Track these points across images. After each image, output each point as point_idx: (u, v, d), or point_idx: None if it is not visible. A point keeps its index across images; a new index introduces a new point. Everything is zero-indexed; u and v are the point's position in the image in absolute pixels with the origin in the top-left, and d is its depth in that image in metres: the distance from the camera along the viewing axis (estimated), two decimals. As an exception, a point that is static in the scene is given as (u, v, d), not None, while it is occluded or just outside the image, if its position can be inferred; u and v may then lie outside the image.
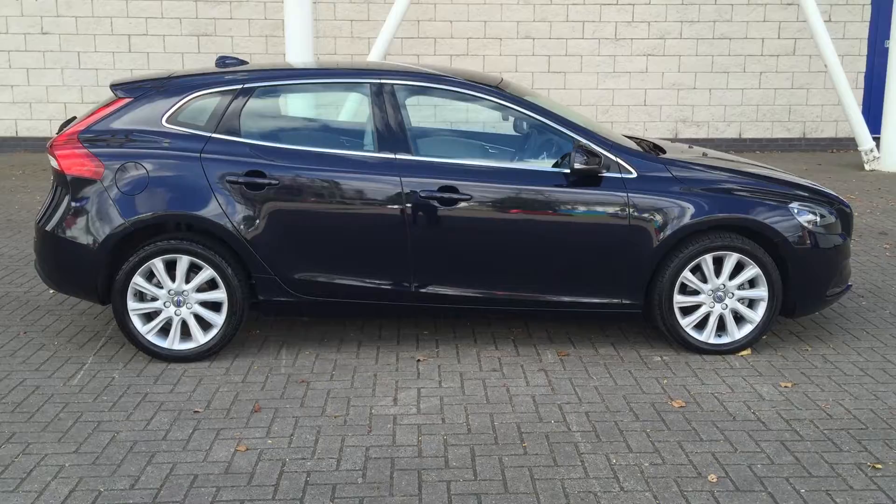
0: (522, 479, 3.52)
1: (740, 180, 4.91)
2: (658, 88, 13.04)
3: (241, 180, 4.61)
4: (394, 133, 4.71)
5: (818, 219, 4.85)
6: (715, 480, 3.50)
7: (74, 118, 5.33)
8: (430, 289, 4.74)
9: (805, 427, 3.98)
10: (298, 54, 10.45)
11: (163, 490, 3.44)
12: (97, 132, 4.72)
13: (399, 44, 12.81)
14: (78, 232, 4.65)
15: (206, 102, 4.76)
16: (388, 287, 4.73)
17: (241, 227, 4.61)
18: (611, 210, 4.69)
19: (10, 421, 4.05)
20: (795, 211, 4.80)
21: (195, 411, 4.17)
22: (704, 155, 5.34)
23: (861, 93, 13.13)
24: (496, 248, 4.73)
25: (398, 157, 4.68)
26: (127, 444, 3.84)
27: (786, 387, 4.44)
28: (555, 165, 4.81)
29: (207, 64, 12.78)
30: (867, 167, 11.44)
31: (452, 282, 4.75)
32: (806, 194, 4.96)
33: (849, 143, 13.07)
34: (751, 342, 4.87)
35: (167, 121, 4.72)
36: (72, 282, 4.81)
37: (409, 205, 4.63)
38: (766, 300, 4.80)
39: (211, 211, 4.60)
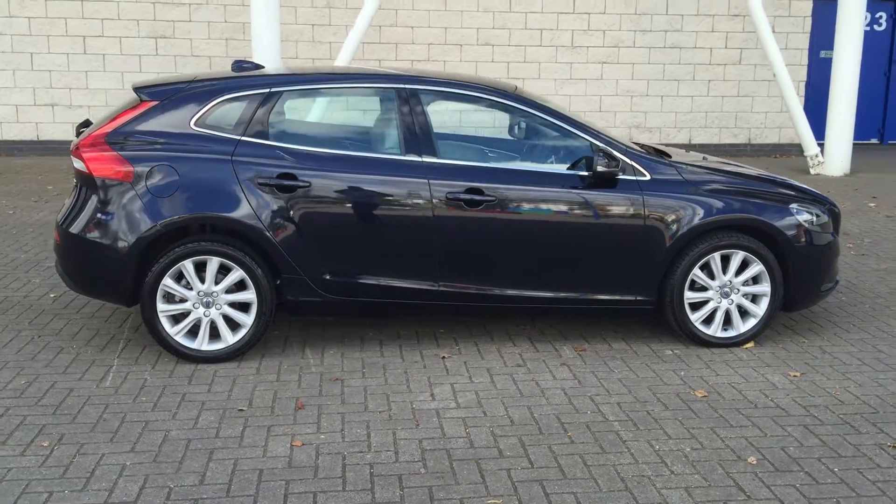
0: (576, 465, 3.71)
1: (743, 182, 5.20)
2: (613, 95, 13.43)
3: (272, 182, 4.69)
4: (420, 136, 4.85)
5: (814, 218, 5.17)
6: (755, 462, 3.74)
7: (89, 121, 5.33)
8: (454, 287, 4.90)
9: (822, 412, 4.27)
10: (265, 58, 10.46)
11: (233, 485, 3.52)
12: (124, 135, 4.74)
13: (361, 49, 12.88)
14: (107, 234, 4.66)
15: (233, 106, 4.83)
16: (415, 286, 4.87)
17: (272, 228, 4.69)
18: (627, 211, 4.91)
19: (55, 423, 4.05)
20: (795, 211, 5.11)
21: (240, 409, 4.24)
22: (704, 158, 5.62)
23: (803, 101, 13.74)
24: (517, 247, 4.91)
25: (424, 159, 4.82)
26: (181, 442, 3.89)
27: (794, 376, 4.73)
28: (570, 168, 5.01)
29: (166, 66, 12.69)
30: (812, 171, 12.01)
31: (474, 280, 4.91)
32: (802, 195, 5.28)
33: (791, 149, 13.70)
34: (754, 335, 5.16)
35: (195, 124, 4.77)
36: (99, 284, 4.81)
37: (436, 206, 4.77)
38: (769, 295, 5.09)
39: (243, 213, 4.67)
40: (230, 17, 12.80)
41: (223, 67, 12.85)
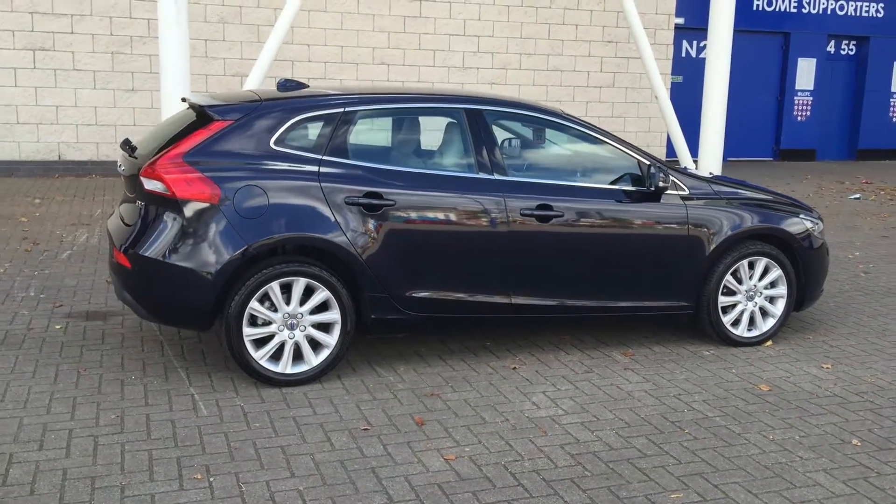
0: (717, 459, 4.02)
1: (762, 196, 5.75)
2: (502, 114, 13.96)
3: (360, 202, 4.70)
4: (490, 154, 5.02)
5: (816, 226, 5.80)
6: (859, 444, 4.22)
7: (128, 139, 5.09)
8: (524, 300, 5.09)
9: (874, 397, 4.84)
10: (175, 75, 10.18)
11: (424, 499, 3.55)
12: (202, 155, 4.58)
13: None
14: (193, 258, 4.49)
15: (311, 126, 4.79)
16: (490, 300, 5.02)
17: (360, 247, 4.69)
18: (674, 223, 5.31)
19: (188, 455, 3.88)
20: (802, 220, 5.72)
21: (364, 429, 4.23)
22: (711, 174, 6.14)
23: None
24: (581, 260, 5.18)
25: (496, 177, 5.00)
26: (334, 464, 3.85)
27: (827, 368, 5.30)
28: (612, 183, 5.32)
29: (45, 80, 11.89)
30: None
31: (543, 293, 5.13)
32: (800, 206, 5.90)
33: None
34: (773, 334, 5.71)
35: (275, 143, 4.69)
36: (179, 310, 4.61)
37: (511, 222, 4.96)
38: (786, 297, 5.66)
39: (332, 232, 4.64)
40: (116, 30, 12.21)
41: (109, 83, 12.23)
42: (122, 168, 5.02)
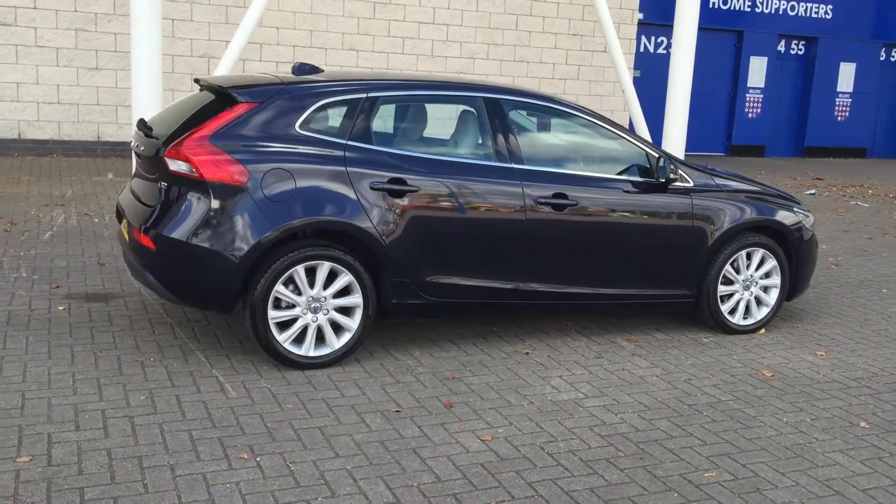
0: (740, 440, 4.18)
1: (757, 188, 5.95)
2: (469, 104, 14.05)
3: (384, 187, 4.74)
4: (507, 143, 5.11)
5: (807, 218, 6.04)
6: (867, 426, 4.44)
7: (143, 120, 5.04)
8: (537, 286, 5.20)
9: (870, 382, 5.07)
10: (146, 54, 10.08)
11: (472, 479, 3.63)
12: (228, 137, 4.57)
13: (224, 47, 12.54)
14: (219, 240, 4.48)
15: (335, 110, 4.81)
16: (505, 286, 5.11)
17: (384, 232, 4.74)
18: (680, 214, 5.48)
19: (228, 435, 3.89)
20: (796, 212, 5.95)
21: (396, 410, 4.29)
22: (706, 166, 6.32)
23: (627, 115, 15.18)
24: (592, 248, 5.30)
25: (514, 165, 5.09)
26: (375, 444, 3.90)
27: (821, 355, 5.54)
28: (620, 173, 5.45)
29: (6, 57, 11.55)
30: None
31: (554, 280, 5.24)
32: (790, 199, 6.13)
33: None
34: (766, 323, 5.93)
35: (300, 127, 4.70)
36: (204, 292, 4.60)
37: (528, 209, 5.06)
38: (779, 287, 5.89)
39: (357, 217, 4.68)
40: (81, 7, 11.95)
41: (72, 60, 11.96)
42: (141, 148, 4.97)
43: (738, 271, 5.77)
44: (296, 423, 4.07)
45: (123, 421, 3.98)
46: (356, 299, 4.76)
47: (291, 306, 4.65)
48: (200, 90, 5.36)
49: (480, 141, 5.15)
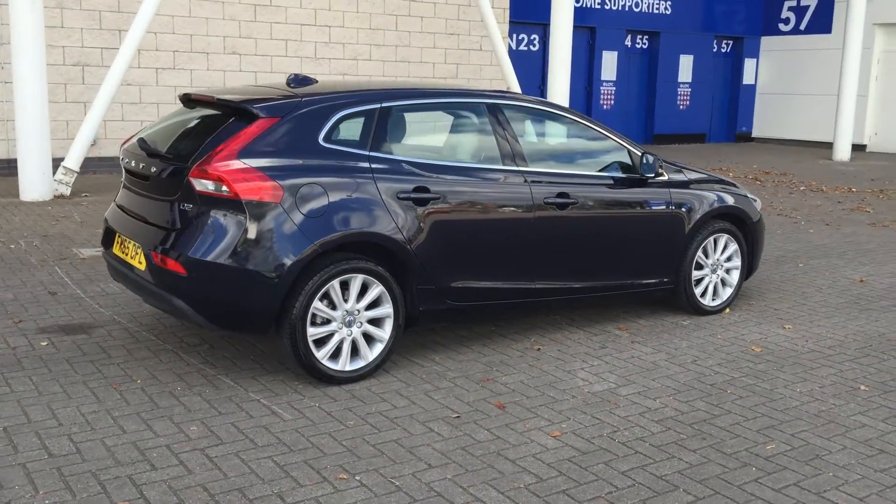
0: (775, 412, 4.51)
1: (715, 179, 6.37)
2: (355, 105, 14.00)
3: (410, 196, 4.76)
4: (512, 146, 5.24)
5: (756, 203, 6.53)
6: (867, 389, 4.90)
7: (144, 138, 4.82)
8: (544, 284, 5.37)
9: (844, 350, 5.57)
10: (30, 62, 9.59)
11: (569, 474, 3.75)
12: (254, 154, 4.44)
13: (99, 54, 11.93)
14: (258, 259, 4.35)
15: (354, 121, 4.78)
16: (519, 286, 5.25)
17: (411, 241, 4.76)
18: (662, 205, 5.80)
19: (311, 458, 3.82)
20: (750, 199, 6.43)
21: (455, 416, 4.34)
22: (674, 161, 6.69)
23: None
24: (591, 243, 5.53)
25: (522, 168, 5.23)
26: (458, 451, 3.94)
27: (789, 328, 6.02)
28: (601, 170, 5.71)
29: None
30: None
31: (559, 276, 5.43)
32: (735, 185, 6.61)
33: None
34: (731, 302, 6.38)
35: (324, 140, 4.64)
36: (243, 314, 4.45)
37: (537, 210, 5.21)
38: (740, 268, 6.35)
39: (388, 228, 4.67)
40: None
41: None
42: (142, 166, 4.73)
43: (707, 256, 6.16)
44: (369, 439, 4.04)
45: (196, 454, 3.82)
46: (387, 309, 4.75)
47: (327, 322, 4.59)
48: (188, 106, 5.15)
49: (491, 146, 5.24)
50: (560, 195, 5.32)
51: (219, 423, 4.16)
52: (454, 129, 5.43)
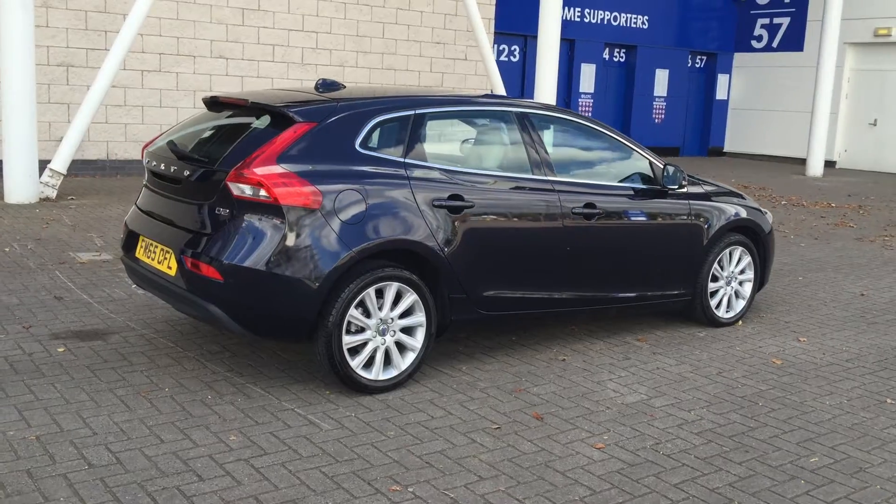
0: (809, 424, 4.53)
1: (729, 191, 6.41)
2: (341, 112, 13.91)
3: (445, 204, 4.70)
4: (542, 156, 5.21)
5: (768, 216, 6.59)
6: (894, 402, 4.94)
7: (173, 141, 4.72)
8: (573, 294, 5.35)
9: (861, 362, 5.63)
10: (19, 62, 9.42)
11: (622, 487, 3.72)
12: (292, 159, 4.36)
13: (84, 54, 11.71)
14: (298, 266, 4.27)
15: (389, 128, 4.72)
16: (548, 296, 5.22)
17: (445, 250, 4.71)
18: (684, 217, 5.82)
19: (359, 469, 3.74)
20: (764, 212, 6.48)
21: (496, 427, 4.28)
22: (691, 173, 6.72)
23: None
24: (613, 253, 5.52)
25: (551, 178, 5.21)
26: (505, 463, 3.89)
27: (804, 341, 6.06)
28: (622, 181, 5.72)
29: None
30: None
31: (586, 286, 5.41)
32: (745, 197, 6.65)
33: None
34: (744, 314, 6.41)
35: (360, 146, 4.57)
36: (282, 321, 4.35)
37: (566, 220, 5.19)
38: (753, 281, 6.39)
39: (424, 235, 4.61)
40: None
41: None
42: (173, 169, 4.62)
43: (722, 268, 6.19)
44: (413, 450, 3.97)
45: (242, 465, 3.72)
46: (420, 318, 4.69)
47: (361, 330, 4.51)
48: (214, 109, 5.05)
49: (519, 154, 5.21)
50: (587, 205, 5.30)
51: (257, 432, 4.06)
52: (484, 137, 5.39)
